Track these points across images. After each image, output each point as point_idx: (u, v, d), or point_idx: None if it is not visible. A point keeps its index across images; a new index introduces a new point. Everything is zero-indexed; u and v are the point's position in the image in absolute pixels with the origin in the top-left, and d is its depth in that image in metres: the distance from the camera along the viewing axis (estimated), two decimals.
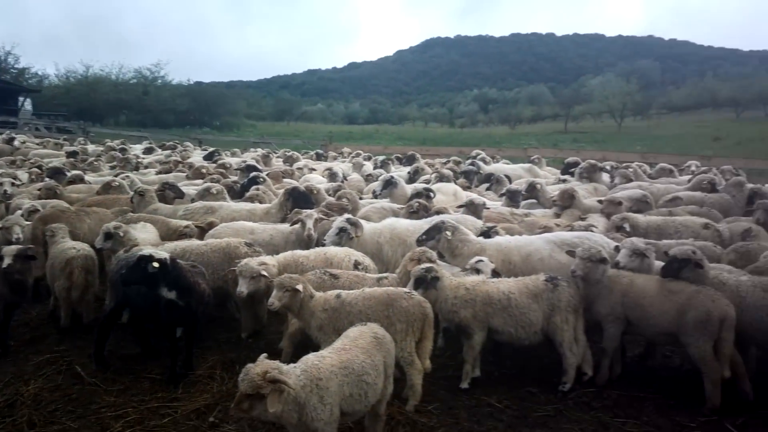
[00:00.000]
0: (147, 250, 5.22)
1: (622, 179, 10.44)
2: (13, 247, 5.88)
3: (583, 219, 7.95)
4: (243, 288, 5.46)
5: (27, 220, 7.56)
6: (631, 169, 11.02)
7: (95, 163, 14.70)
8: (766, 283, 4.95)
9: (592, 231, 6.72)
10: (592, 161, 11.30)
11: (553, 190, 9.17)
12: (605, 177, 11.07)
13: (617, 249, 5.72)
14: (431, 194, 9.25)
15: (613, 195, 8.66)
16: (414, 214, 8.07)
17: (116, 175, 11.16)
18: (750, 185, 8.71)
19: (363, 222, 7.17)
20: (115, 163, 15.27)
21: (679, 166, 13.22)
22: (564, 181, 10.97)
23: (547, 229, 7.03)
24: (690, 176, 10.71)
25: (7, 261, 5.59)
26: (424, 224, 7.04)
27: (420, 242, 6.42)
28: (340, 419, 3.73)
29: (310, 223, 7.00)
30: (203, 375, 5.41)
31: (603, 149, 22.74)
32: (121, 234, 6.45)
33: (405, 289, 5.02)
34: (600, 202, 8.31)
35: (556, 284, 5.21)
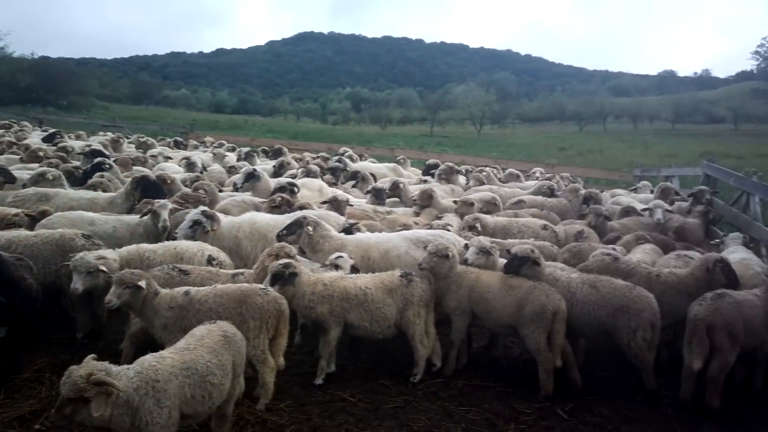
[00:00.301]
0: None
1: (476, 182, 11.16)
2: None
3: (440, 218, 8.35)
4: (77, 284, 5.02)
5: None
6: (484, 173, 11.80)
7: None
8: (593, 280, 5.51)
9: (448, 230, 7.07)
10: (450, 164, 11.92)
11: (415, 190, 9.51)
12: (461, 179, 11.74)
13: (467, 247, 6.06)
14: (295, 189, 9.13)
15: (466, 196, 9.19)
16: (276, 208, 7.91)
17: None
18: (584, 191, 9.71)
19: (221, 215, 6.89)
20: None
21: (526, 171, 14.42)
22: (425, 181, 11.43)
23: (406, 227, 7.26)
24: (535, 181, 11.69)
25: None
26: (286, 219, 6.92)
27: (280, 237, 6.30)
28: (181, 421, 3.56)
29: (165, 214, 6.58)
30: (30, 378, 4.90)
31: (463, 153, 24.12)
32: None
33: (260, 286, 4.90)
34: (455, 202, 8.76)
35: (410, 279, 5.39)
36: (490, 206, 8.75)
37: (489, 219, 7.98)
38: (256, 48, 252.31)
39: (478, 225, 7.61)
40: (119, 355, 5.05)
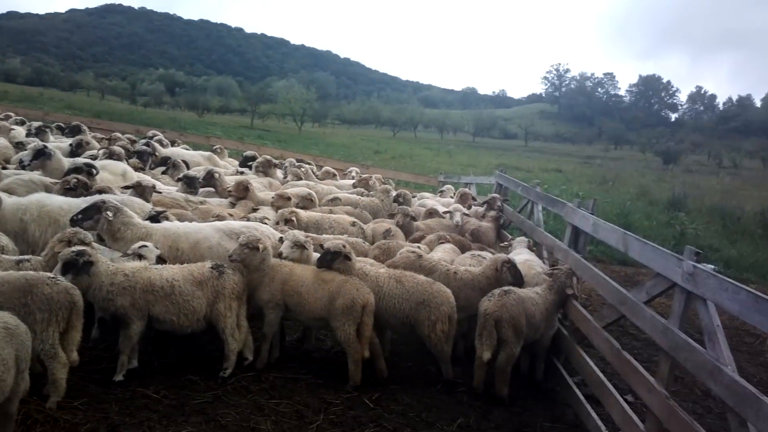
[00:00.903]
0: None
1: (294, 177, 11.20)
2: None
3: (255, 210, 8.23)
4: None
5: None
6: (303, 169, 11.90)
7: None
8: (399, 276, 5.89)
9: (265, 223, 7.01)
10: (268, 157, 11.78)
11: (231, 181, 9.24)
12: (279, 173, 11.69)
13: (281, 240, 6.09)
14: (93, 170, 8.26)
15: (283, 190, 9.20)
16: (71, 191, 7.11)
17: None
18: (394, 192, 10.35)
19: (3, 195, 6.06)
20: None
21: (343, 170, 14.88)
22: (241, 173, 11.15)
23: (220, 218, 7.04)
24: (351, 180, 12.12)
25: None
26: (81, 203, 6.28)
27: (75, 222, 5.71)
28: None
29: None
30: None
31: (283, 148, 24.00)
32: None
33: (48, 274, 4.46)
34: (273, 197, 8.71)
35: (221, 272, 5.26)
36: (306, 201, 8.86)
37: (303, 214, 8.10)
38: (55, 15, 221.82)
39: (294, 219, 7.68)
40: None
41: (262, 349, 5.60)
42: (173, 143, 15.37)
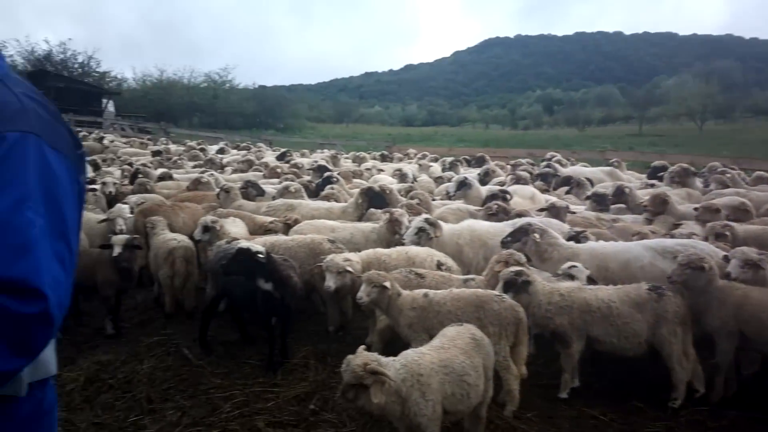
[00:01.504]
0: (245, 244, 5.38)
1: (718, 185, 9.80)
2: (122, 236, 6.26)
3: (677, 226, 7.52)
4: (330, 283, 5.53)
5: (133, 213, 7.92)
6: (728, 175, 10.33)
7: (178, 161, 15.37)
8: None
9: (694, 239, 6.32)
10: (684, 165, 10.64)
11: (643, 195, 8.72)
12: (698, 182, 10.44)
13: (726, 259, 5.34)
14: (508, 196, 9.04)
15: (709, 202, 8.14)
16: (493, 216, 7.88)
17: (201, 173, 11.58)
18: None
19: (441, 223, 7.08)
20: (198, 162, 15.90)
21: None
22: (652, 185, 10.41)
23: (642, 236, 6.67)
24: None
25: (117, 250, 5.98)
26: (505, 227, 6.86)
27: (505, 244, 6.23)
28: (442, 417, 3.68)
29: (405, 221, 6.96)
30: (298, 364, 5.56)
31: (686, 153, 21.35)
32: (218, 227, 6.71)
33: (495, 292, 4.88)
34: (696, 209, 7.82)
35: (661, 294, 4.90)
36: (740, 213, 7.63)
37: (739, 228, 6.96)
38: (442, 60, 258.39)
39: (728, 233, 6.68)
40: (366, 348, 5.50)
41: (716, 381, 4.97)
42: (567, 162, 15.63)
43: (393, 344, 5.06)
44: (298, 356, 5.69)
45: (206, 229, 6.73)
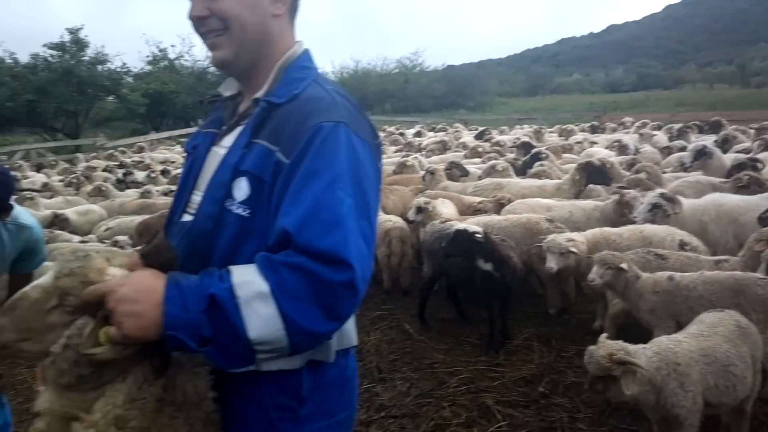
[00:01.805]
0: (461, 225, 5.41)
1: None
2: None
3: None
4: (552, 264, 5.27)
5: None
6: None
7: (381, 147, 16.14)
8: None
9: None
10: None
11: None
12: None
13: None
14: (759, 165, 7.76)
15: None
16: (743, 188, 6.80)
17: (403, 157, 11.95)
18: None
19: (680, 198, 6.33)
20: (398, 147, 16.50)
21: None
22: None
23: None
24: None
25: None
26: (760, 200, 5.90)
27: (763, 220, 5.36)
28: (703, 410, 3.33)
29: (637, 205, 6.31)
30: (521, 345, 5.44)
31: None
32: (430, 208, 6.85)
33: (758, 275, 4.25)
34: None
35: None
36: None
37: None
38: (652, 16, 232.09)
39: None
40: (591, 333, 5.24)
41: None
42: None
43: (626, 330, 4.68)
44: (519, 338, 5.57)
45: (419, 210, 6.91)
